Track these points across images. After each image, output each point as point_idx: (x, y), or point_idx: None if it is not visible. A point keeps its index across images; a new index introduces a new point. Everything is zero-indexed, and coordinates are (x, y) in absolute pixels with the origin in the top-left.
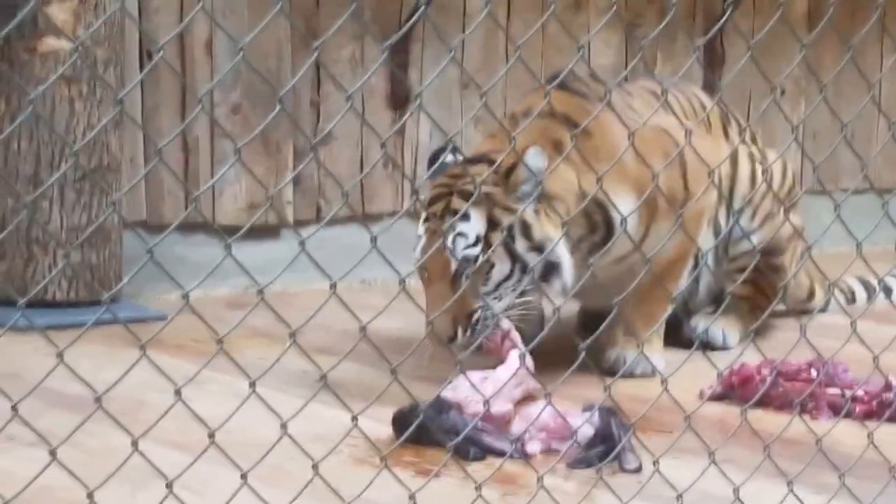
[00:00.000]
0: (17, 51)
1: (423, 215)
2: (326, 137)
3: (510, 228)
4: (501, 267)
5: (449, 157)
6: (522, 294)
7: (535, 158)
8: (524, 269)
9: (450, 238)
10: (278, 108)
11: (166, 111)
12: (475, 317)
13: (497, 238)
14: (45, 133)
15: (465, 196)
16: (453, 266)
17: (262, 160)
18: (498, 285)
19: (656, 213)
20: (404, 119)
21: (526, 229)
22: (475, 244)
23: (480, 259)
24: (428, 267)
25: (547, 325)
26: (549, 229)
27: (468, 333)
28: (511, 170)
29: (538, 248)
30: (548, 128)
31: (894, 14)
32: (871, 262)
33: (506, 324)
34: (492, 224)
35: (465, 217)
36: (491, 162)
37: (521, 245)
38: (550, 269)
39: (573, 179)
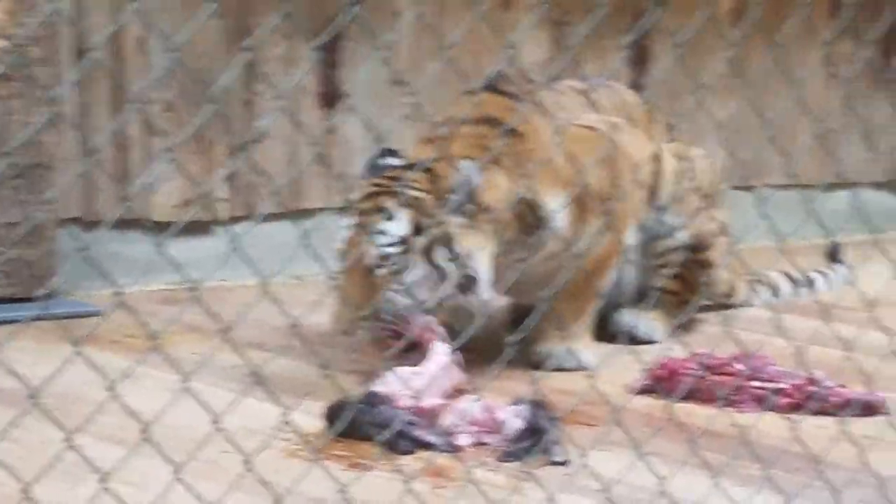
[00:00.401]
0: None
1: (354, 209)
2: (258, 135)
3: (433, 237)
4: (416, 271)
5: (391, 160)
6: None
7: (467, 171)
8: (442, 277)
9: (371, 235)
10: (209, 106)
11: (100, 109)
12: (380, 311)
13: (419, 243)
14: None
15: (396, 197)
16: (370, 260)
17: (196, 158)
18: (410, 285)
19: (586, 210)
20: (336, 114)
21: (448, 240)
22: (394, 244)
23: (397, 259)
24: (350, 262)
25: (477, 322)
26: (471, 244)
27: (373, 326)
28: (445, 179)
29: (457, 261)
30: (484, 136)
31: (821, 11)
32: (796, 257)
33: (423, 319)
34: (416, 228)
35: (391, 217)
36: (428, 169)
37: (440, 254)
38: (468, 283)
39: (508, 186)
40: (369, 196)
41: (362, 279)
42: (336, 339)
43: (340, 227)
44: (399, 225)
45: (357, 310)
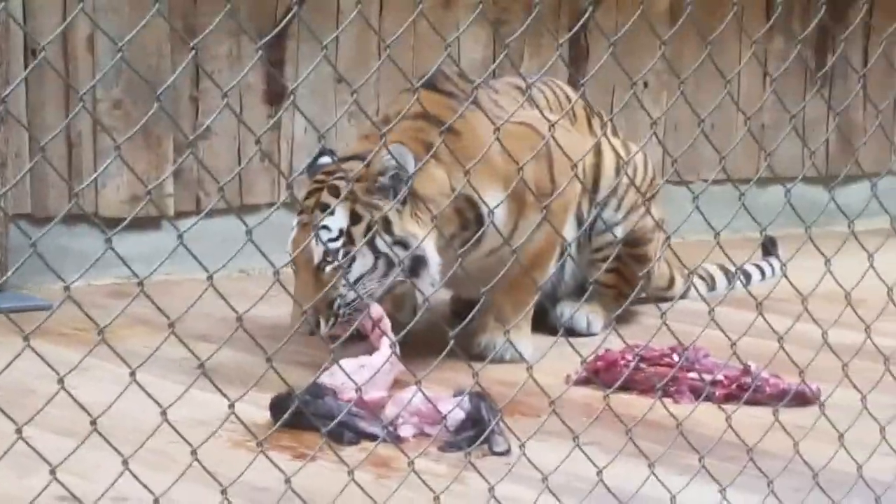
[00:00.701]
0: None
1: (298, 209)
2: (205, 132)
3: (371, 223)
4: (363, 261)
5: (325, 159)
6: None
7: (394, 152)
8: (390, 264)
9: (314, 232)
10: (157, 104)
11: (50, 107)
12: (335, 306)
13: (358, 232)
14: None
15: (334, 191)
16: (316, 258)
17: (144, 154)
18: (360, 277)
19: (524, 206)
20: (281, 111)
21: (387, 225)
22: (337, 238)
23: (341, 252)
24: (296, 258)
25: (418, 314)
26: (411, 226)
27: (330, 322)
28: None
29: (401, 244)
30: (421, 129)
31: (752, 11)
32: (731, 250)
33: (377, 311)
34: (354, 218)
35: (330, 211)
36: (363, 160)
37: (382, 241)
38: (418, 265)
39: (445, 180)
40: (311, 193)
41: (312, 277)
42: (281, 330)
43: (291, 227)
44: (337, 218)
45: (311, 308)
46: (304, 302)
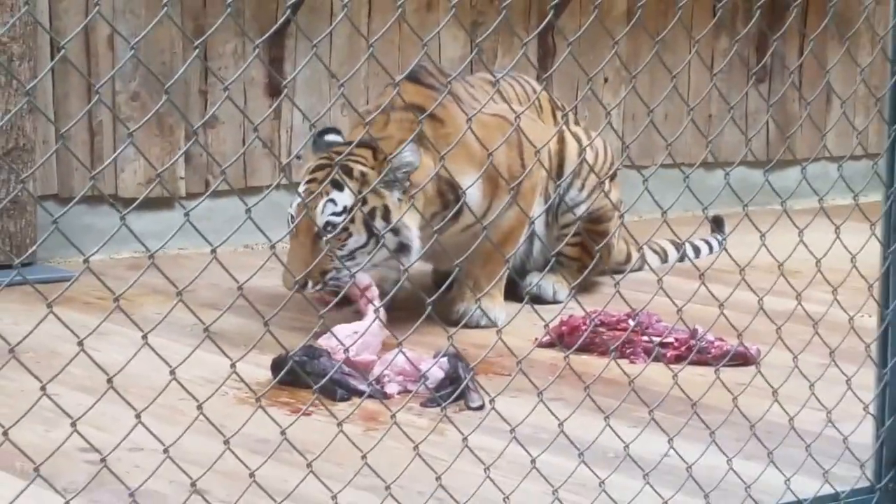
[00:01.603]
0: None
1: (306, 178)
2: (213, 121)
3: (374, 208)
4: (358, 238)
5: (332, 136)
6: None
7: (410, 154)
8: (377, 244)
9: (321, 202)
10: (165, 96)
11: (74, 99)
12: (328, 275)
13: (360, 213)
14: None
15: (345, 170)
16: (316, 227)
17: (158, 141)
18: (352, 252)
19: (497, 188)
20: (276, 103)
21: (387, 213)
22: (340, 213)
23: (341, 227)
24: (299, 224)
25: (398, 285)
26: (407, 218)
27: (318, 286)
28: (385, 156)
29: (394, 230)
30: (412, 120)
31: (700, 14)
32: (682, 227)
33: (364, 280)
34: (360, 200)
35: (339, 188)
36: (373, 148)
37: (379, 224)
38: (401, 248)
39: (430, 167)
40: (320, 167)
41: (310, 243)
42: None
43: (296, 194)
44: (346, 196)
45: (304, 270)
46: (297, 263)
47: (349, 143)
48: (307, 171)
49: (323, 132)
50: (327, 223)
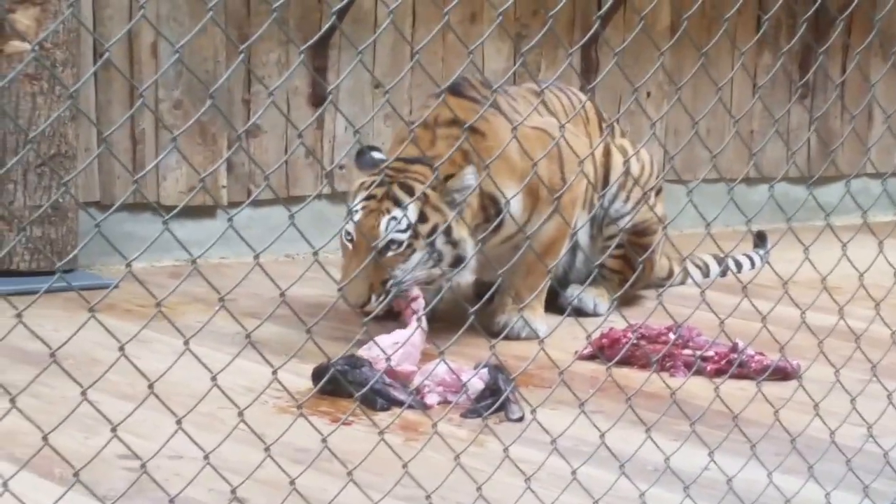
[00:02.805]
0: None
1: (363, 195)
2: (255, 130)
3: (436, 225)
4: (420, 254)
5: (377, 154)
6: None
7: (472, 178)
8: (438, 258)
9: (385, 219)
10: (209, 101)
11: (117, 106)
12: (388, 286)
13: (423, 230)
14: (10, 124)
15: (405, 188)
16: (380, 243)
17: (201, 149)
18: (413, 267)
19: (538, 201)
20: (320, 110)
21: (448, 230)
22: (405, 230)
23: (405, 243)
24: (357, 238)
25: (440, 295)
26: (463, 232)
27: (380, 300)
28: (448, 177)
29: (452, 244)
30: (458, 136)
31: (742, 29)
32: (723, 242)
33: (414, 291)
34: (422, 218)
35: (403, 206)
36: (429, 165)
37: (440, 240)
38: (458, 262)
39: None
40: (379, 184)
41: (372, 259)
42: (322, 309)
43: (352, 210)
44: (410, 213)
45: (371, 287)
46: (359, 280)
47: (403, 160)
48: (361, 188)
49: (367, 149)
50: (392, 241)
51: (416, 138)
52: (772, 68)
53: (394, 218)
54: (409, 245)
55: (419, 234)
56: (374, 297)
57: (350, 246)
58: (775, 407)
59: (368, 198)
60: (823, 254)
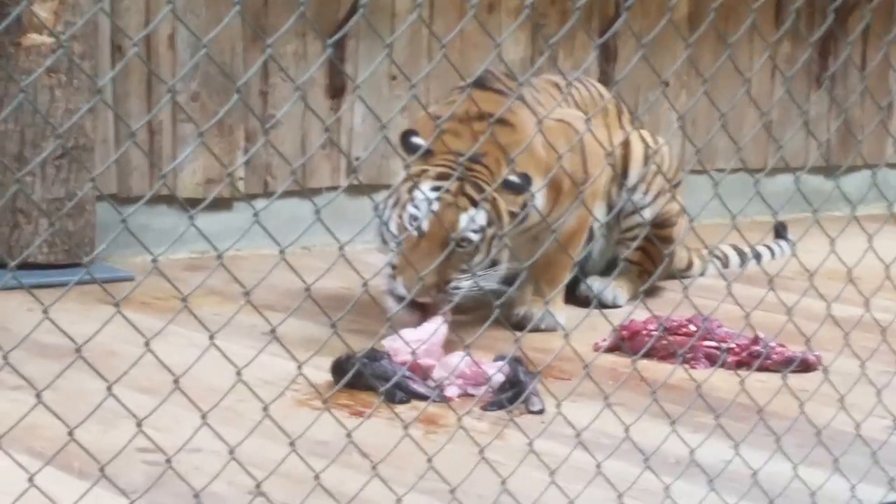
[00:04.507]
0: (3, 45)
1: (430, 184)
2: (272, 121)
3: (495, 231)
4: (482, 256)
5: (417, 140)
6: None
7: (536, 199)
8: (493, 264)
9: (464, 216)
10: (236, 96)
11: (134, 98)
12: (451, 286)
13: (489, 233)
14: (29, 116)
15: (477, 187)
16: (452, 239)
17: (217, 141)
18: (473, 266)
19: (560, 194)
20: (346, 102)
21: (504, 233)
22: (477, 231)
23: (475, 244)
24: (431, 229)
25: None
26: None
27: (438, 296)
28: (511, 183)
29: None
30: (495, 132)
31: (764, 17)
32: (745, 233)
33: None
34: (489, 221)
35: (476, 206)
36: (485, 165)
37: (496, 243)
38: (493, 264)
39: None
40: (447, 177)
41: (438, 250)
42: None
43: (421, 197)
44: (482, 216)
45: (434, 283)
46: (423, 266)
47: (469, 158)
48: (424, 176)
49: (409, 133)
50: (465, 238)
51: (456, 132)
52: (792, 57)
53: (471, 217)
54: (476, 247)
55: (486, 237)
56: (433, 293)
57: (415, 233)
58: (800, 400)
59: (440, 189)
60: (848, 244)
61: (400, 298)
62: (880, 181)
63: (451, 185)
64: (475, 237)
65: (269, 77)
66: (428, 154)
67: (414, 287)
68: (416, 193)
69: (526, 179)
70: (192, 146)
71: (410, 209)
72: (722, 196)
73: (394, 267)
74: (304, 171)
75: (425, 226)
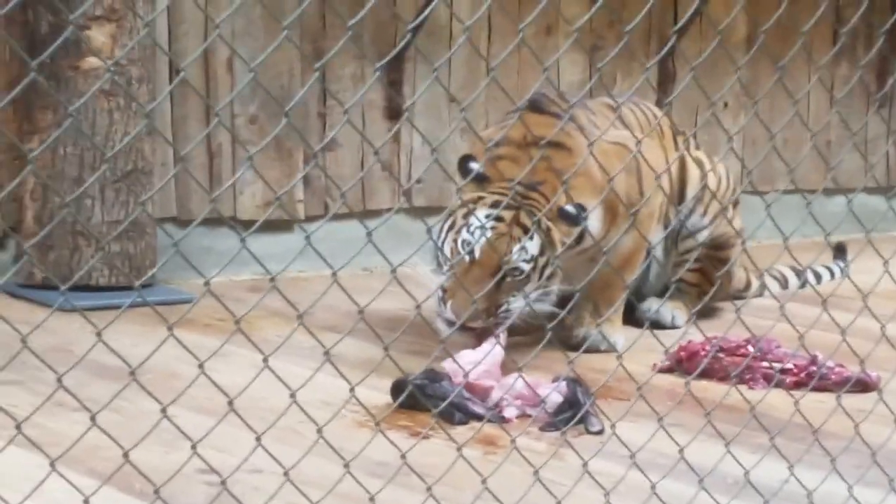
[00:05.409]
0: (62, 68)
1: (486, 211)
2: (331, 144)
3: (548, 260)
4: (533, 284)
5: (474, 165)
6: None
7: (592, 222)
8: (546, 294)
9: (517, 246)
10: (285, 119)
11: (193, 121)
12: (501, 311)
13: (541, 262)
14: (88, 139)
15: (531, 216)
16: (505, 268)
17: (277, 164)
18: (526, 293)
19: (616, 216)
20: (397, 126)
21: (556, 261)
22: (529, 261)
23: (527, 273)
24: (484, 256)
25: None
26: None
27: (490, 321)
28: (566, 213)
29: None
30: (549, 157)
31: (819, 41)
32: (801, 253)
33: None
34: (541, 250)
35: (530, 235)
36: (542, 193)
37: (548, 270)
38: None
39: (564, 199)
40: (501, 204)
41: (490, 278)
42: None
43: (477, 224)
44: (535, 246)
45: (486, 309)
46: (480, 297)
47: (520, 184)
48: (481, 203)
49: (467, 158)
50: (516, 268)
51: (514, 159)
52: (849, 79)
53: (523, 247)
54: (528, 276)
55: (537, 266)
56: (485, 318)
57: (467, 259)
58: (855, 420)
59: (495, 217)
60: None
61: (450, 322)
62: None
63: (507, 213)
64: (526, 266)
65: (328, 99)
66: (485, 180)
67: (463, 312)
68: (472, 220)
69: (581, 209)
70: (243, 169)
71: (465, 235)
72: (780, 217)
73: (444, 291)
74: (364, 192)
75: (477, 253)
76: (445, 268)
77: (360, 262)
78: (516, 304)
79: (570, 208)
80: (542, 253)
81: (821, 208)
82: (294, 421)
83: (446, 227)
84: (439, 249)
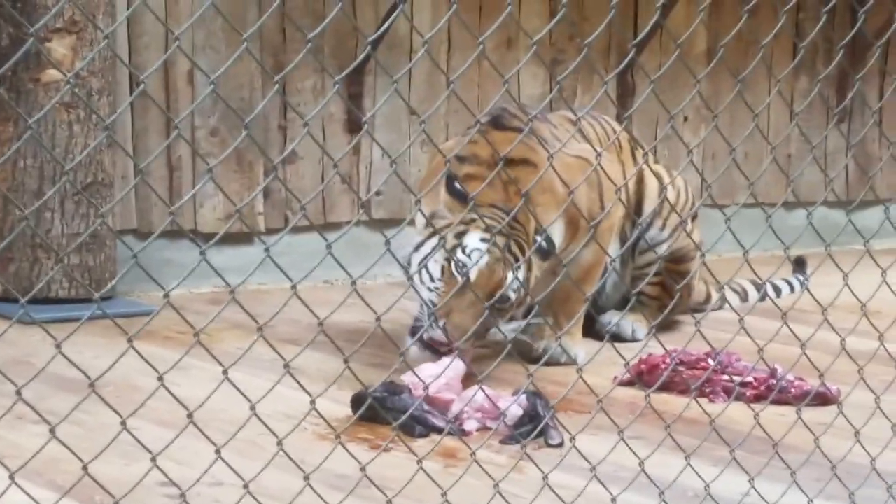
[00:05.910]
0: (22, 81)
1: (479, 235)
2: (292, 157)
3: (527, 287)
4: (512, 312)
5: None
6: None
7: (554, 236)
8: (514, 319)
9: (511, 275)
10: (245, 132)
11: (154, 134)
12: (487, 334)
13: (522, 293)
14: (48, 152)
15: (519, 247)
16: (496, 294)
17: (237, 177)
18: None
19: (578, 229)
20: (356, 138)
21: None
22: (516, 290)
23: (512, 301)
24: (479, 281)
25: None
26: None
27: (471, 342)
28: (541, 249)
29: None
30: (518, 178)
31: (779, 54)
32: (762, 267)
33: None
34: (525, 282)
35: (519, 265)
36: (521, 223)
37: (527, 299)
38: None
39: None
40: (499, 233)
41: (483, 302)
42: (361, 335)
43: (469, 247)
44: (521, 274)
45: (470, 325)
46: (467, 315)
47: (503, 209)
48: (476, 227)
49: (452, 179)
50: (504, 296)
51: (484, 179)
52: (808, 93)
53: (516, 278)
54: (512, 304)
55: (520, 296)
56: (470, 340)
57: (460, 279)
58: (816, 433)
59: (488, 242)
60: (863, 278)
61: (433, 341)
62: (893, 216)
63: (500, 240)
64: (514, 296)
65: (288, 112)
66: (463, 199)
67: (459, 334)
68: (466, 241)
69: (550, 243)
70: (203, 182)
71: (460, 255)
72: (740, 231)
73: (429, 306)
74: (324, 205)
75: (473, 276)
76: (433, 285)
77: (320, 274)
78: (496, 329)
79: (544, 244)
80: (526, 283)
81: (781, 222)
82: (254, 433)
83: (430, 243)
84: (423, 266)
